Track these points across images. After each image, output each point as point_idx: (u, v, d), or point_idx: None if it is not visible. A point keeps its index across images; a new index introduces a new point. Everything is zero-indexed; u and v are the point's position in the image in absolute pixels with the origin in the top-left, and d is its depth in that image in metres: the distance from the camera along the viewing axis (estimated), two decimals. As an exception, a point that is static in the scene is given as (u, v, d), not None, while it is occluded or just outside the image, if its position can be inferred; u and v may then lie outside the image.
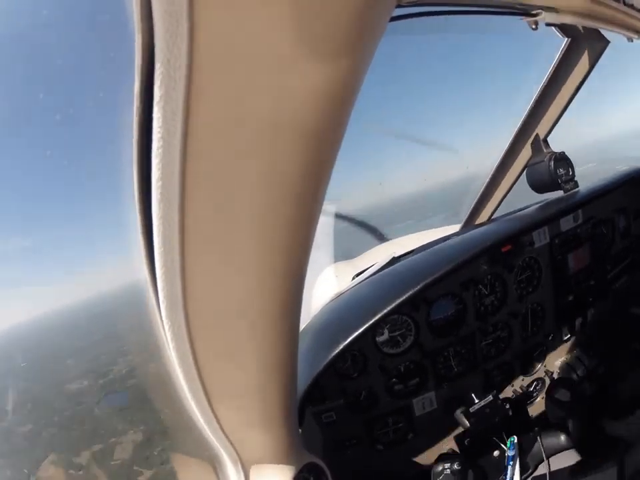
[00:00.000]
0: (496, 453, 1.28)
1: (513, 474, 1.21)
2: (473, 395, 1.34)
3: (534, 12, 0.96)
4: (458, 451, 1.37)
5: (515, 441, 1.25)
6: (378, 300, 1.19)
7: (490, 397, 1.30)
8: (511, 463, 1.22)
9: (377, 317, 1.11)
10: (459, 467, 1.09)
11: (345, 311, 1.33)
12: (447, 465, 1.15)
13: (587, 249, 1.54)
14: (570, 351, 1.66)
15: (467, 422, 1.28)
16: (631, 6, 1.08)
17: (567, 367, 1.62)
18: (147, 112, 0.33)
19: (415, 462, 1.46)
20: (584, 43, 1.44)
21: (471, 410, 1.28)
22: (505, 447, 1.26)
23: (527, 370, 1.58)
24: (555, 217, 1.41)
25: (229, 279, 0.45)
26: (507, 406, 1.31)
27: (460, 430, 1.35)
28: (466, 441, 1.28)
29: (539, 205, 1.51)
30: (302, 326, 1.36)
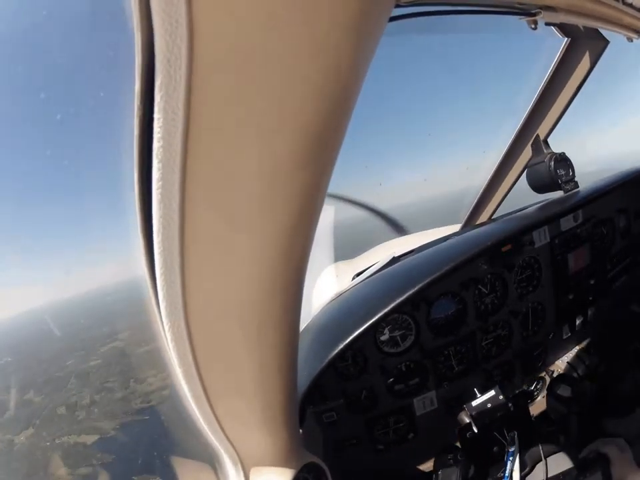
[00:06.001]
0: (495, 448, 1.28)
1: (512, 469, 1.21)
2: (475, 389, 1.34)
3: (533, 11, 0.96)
4: (459, 445, 1.38)
5: (515, 436, 1.25)
6: (378, 300, 1.19)
7: (492, 392, 1.30)
8: (511, 458, 1.22)
9: (377, 317, 1.11)
10: (462, 458, 1.10)
11: (345, 311, 1.33)
12: (450, 456, 1.15)
13: (587, 248, 1.54)
14: (570, 349, 1.66)
15: (469, 418, 1.28)
16: (630, 5, 1.08)
17: (567, 366, 1.62)
18: (147, 112, 0.33)
19: (416, 462, 1.46)
20: (584, 43, 1.44)
21: (473, 404, 1.28)
22: (504, 442, 1.26)
23: (527, 369, 1.58)
24: (555, 217, 1.41)
25: (228, 279, 0.45)
26: (509, 402, 1.31)
27: (461, 424, 1.35)
28: (468, 434, 1.28)
29: (539, 205, 1.51)
30: (302, 326, 1.36)
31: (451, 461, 1.18)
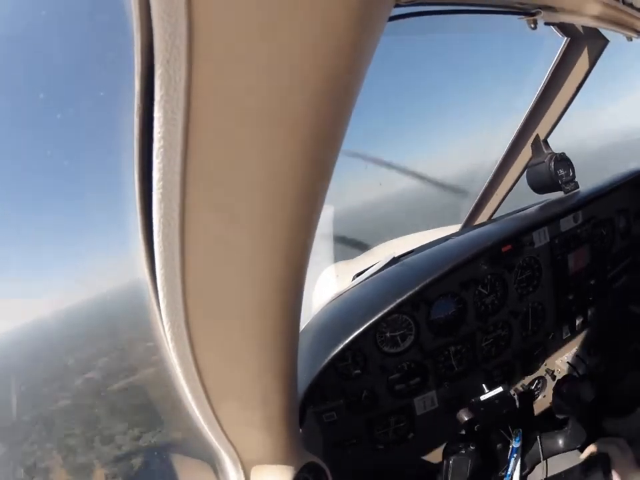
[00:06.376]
0: (499, 445, 1.28)
1: (515, 467, 1.21)
2: (483, 385, 1.34)
3: (533, 11, 0.96)
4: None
5: (520, 434, 1.25)
6: (378, 300, 1.19)
7: (500, 389, 1.30)
8: (514, 455, 1.23)
9: (377, 317, 1.11)
10: (474, 448, 1.09)
11: (345, 311, 1.33)
12: (462, 445, 1.14)
13: (587, 249, 1.54)
14: (570, 349, 1.66)
15: (468, 417, 1.28)
16: (630, 5, 1.08)
17: (567, 366, 1.62)
18: (147, 112, 0.33)
19: (416, 461, 1.46)
20: (583, 42, 1.44)
21: (482, 399, 1.28)
22: (509, 440, 1.26)
23: (527, 369, 1.59)
24: (555, 218, 1.41)
25: (229, 279, 0.45)
26: (515, 399, 1.31)
27: (461, 423, 1.35)
28: (475, 427, 1.28)
29: (539, 205, 1.52)
30: (302, 326, 1.36)
31: (462, 450, 1.18)
